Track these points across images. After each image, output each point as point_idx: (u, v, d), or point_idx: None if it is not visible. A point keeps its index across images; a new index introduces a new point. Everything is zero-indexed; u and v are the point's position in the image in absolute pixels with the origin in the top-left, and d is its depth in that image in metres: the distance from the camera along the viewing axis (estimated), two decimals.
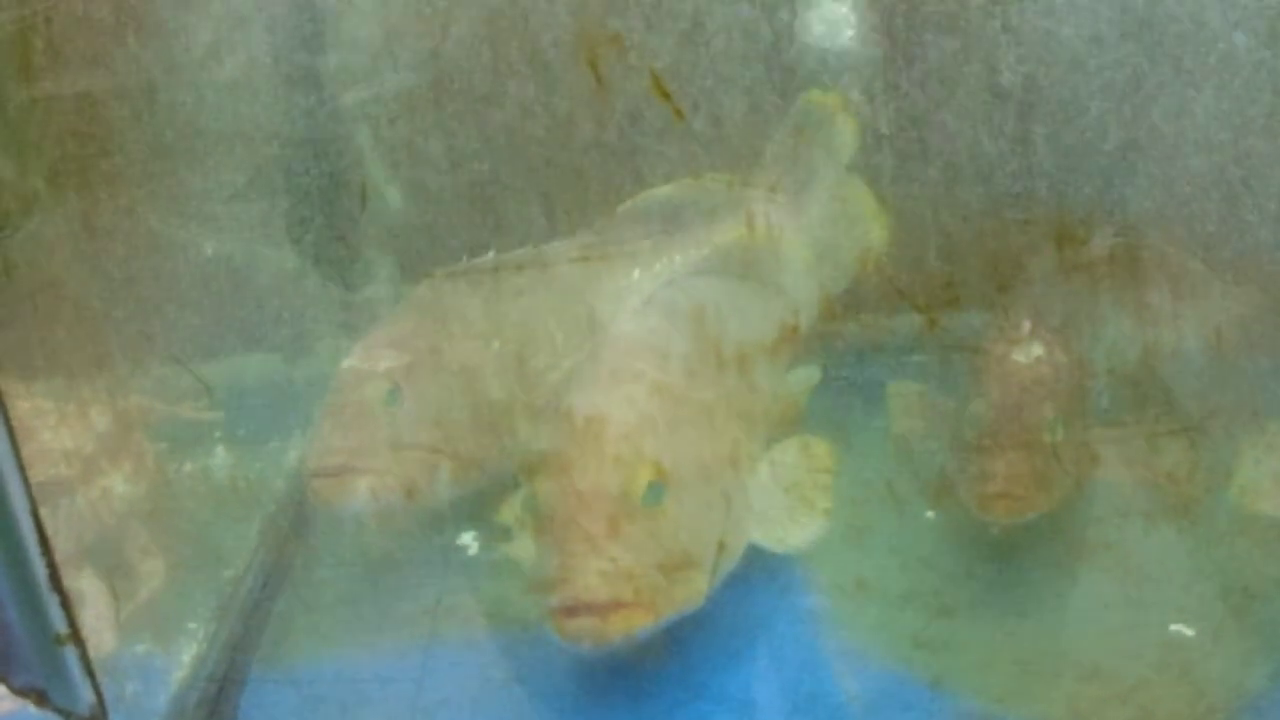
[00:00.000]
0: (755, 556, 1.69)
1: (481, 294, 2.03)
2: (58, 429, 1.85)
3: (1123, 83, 2.10)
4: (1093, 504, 1.85)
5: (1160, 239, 2.06)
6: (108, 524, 1.88)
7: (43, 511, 1.06)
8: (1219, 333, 1.92)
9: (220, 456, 2.20)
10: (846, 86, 2.06)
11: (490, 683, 1.71)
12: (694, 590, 1.56)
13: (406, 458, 1.89)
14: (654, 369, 1.65)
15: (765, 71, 2.15)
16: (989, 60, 2.11)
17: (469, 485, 1.95)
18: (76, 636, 1.08)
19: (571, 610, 1.49)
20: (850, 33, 2.10)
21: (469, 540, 1.97)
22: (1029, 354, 1.86)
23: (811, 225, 2.06)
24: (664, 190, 2.06)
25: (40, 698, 1.10)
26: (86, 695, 1.10)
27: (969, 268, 2.00)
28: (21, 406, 1.78)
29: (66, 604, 1.08)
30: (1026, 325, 1.90)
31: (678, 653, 1.66)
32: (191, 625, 1.80)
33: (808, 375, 1.91)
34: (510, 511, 1.78)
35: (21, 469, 1.03)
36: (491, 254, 2.08)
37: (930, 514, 1.91)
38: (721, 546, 1.60)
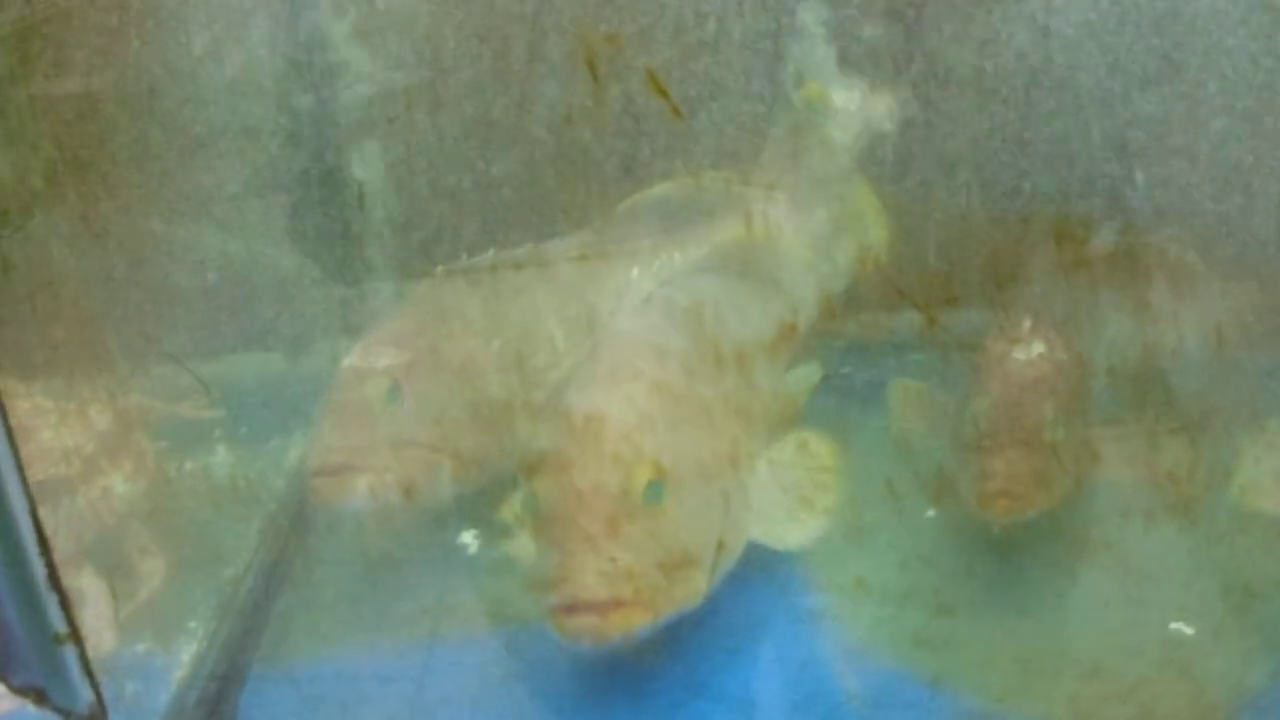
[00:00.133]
0: (755, 555, 1.69)
1: (481, 293, 2.03)
2: (58, 428, 1.85)
3: (1123, 81, 2.10)
4: (1093, 502, 1.85)
5: (1160, 237, 2.06)
6: (108, 523, 1.89)
7: (43, 511, 1.05)
8: (1219, 331, 1.92)
9: (221, 455, 2.20)
10: (844, 83, 2.06)
11: (490, 681, 1.71)
12: (693, 589, 1.56)
13: (407, 456, 1.89)
14: (653, 368, 1.65)
15: (765, 69, 2.14)
16: (988, 57, 2.10)
17: (469, 484, 1.95)
18: (75, 635, 1.08)
19: (571, 609, 1.49)
20: (849, 30, 2.10)
21: (469, 539, 1.97)
22: (1029, 352, 1.86)
23: (810, 223, 2.06)
24: (662, 189, 2.06)
25: (39, 697, 1.10)
26: (85, 694, 1.10)
27: (968, 266, 2.00)
28: (21, 406, 1.79)
29: (65, 603, 1.07)
30: (1027, 323, 1.90)
31: (677, 651, 1.66)
32: (191, 624, 1.80)
33: (808, 374, 1.91)
34: (510, 510, 1.78)
35: (20, 468, 1.03)
36: (491, 253, 2.08)
37: (930, 512, 1.91)
38: (720, 545, 1.60)
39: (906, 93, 2.10)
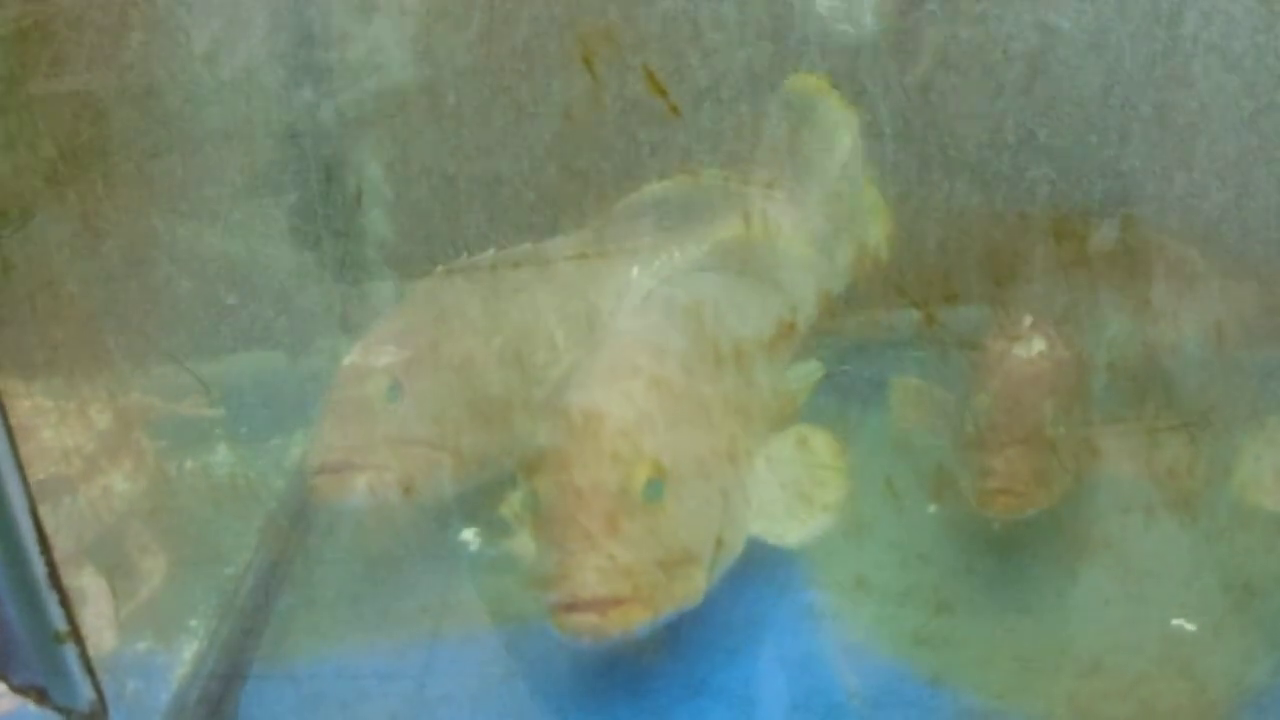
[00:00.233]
0: (755, 553, 1.69)
1: (481, 291, 2.03)
2: (58, 427, 1.85)
3: (1124, 76, 2.10)
4: (1093, 500, 1.85)
5: (1161, 233, 2.06)
6: (108, 522, 1.89)
7: (44, 510, 1.06)
8: (1219, 328, 1.91)
9: (221, 454, 2.20)
10: (842, 78, 2.06)
11: (490, 679, 1.71)
12: (693, 586, 1.56)
13: (407, 454, 1.89)
14: (652, 366, 1.65)
15: (764, 65, 2.14)
16: (988, 52, 2.10)
17: (469, 482, 1.95)
18: (76, 634, 1.08)
19: (571, 606, 1.49)
20: (847, 23, 2.10)
21: (470, 537, 1.98)
22: (1029, 350, 1.86)
23: (810, 221, 2.06)
24: (661, 187, 2.06)
25: (40, 695, 1.10)
26: (86, 692, 1.11)
27: (967, 263, 2.00)
28: (22, 405, 1.79)
29: (66, 601, 1.08)
30: (1027, 320, 1.90)
31: (677, 649, 1.66)
32: (192, 623, 1.81)
33: (809, 371, 1.91)
34: (510, 508, 1.78)
35: (20, 467, 1.03)
36: (491, 251, 2.08)
37: (930, 510, 1.91)
38: (720, 543, 1.60)
39: (903, 86, 2.10)
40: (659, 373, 1.65)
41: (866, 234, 2.10)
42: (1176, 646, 1.66)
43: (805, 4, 2.07)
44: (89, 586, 1.75)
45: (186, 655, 1.74)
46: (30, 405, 1.82)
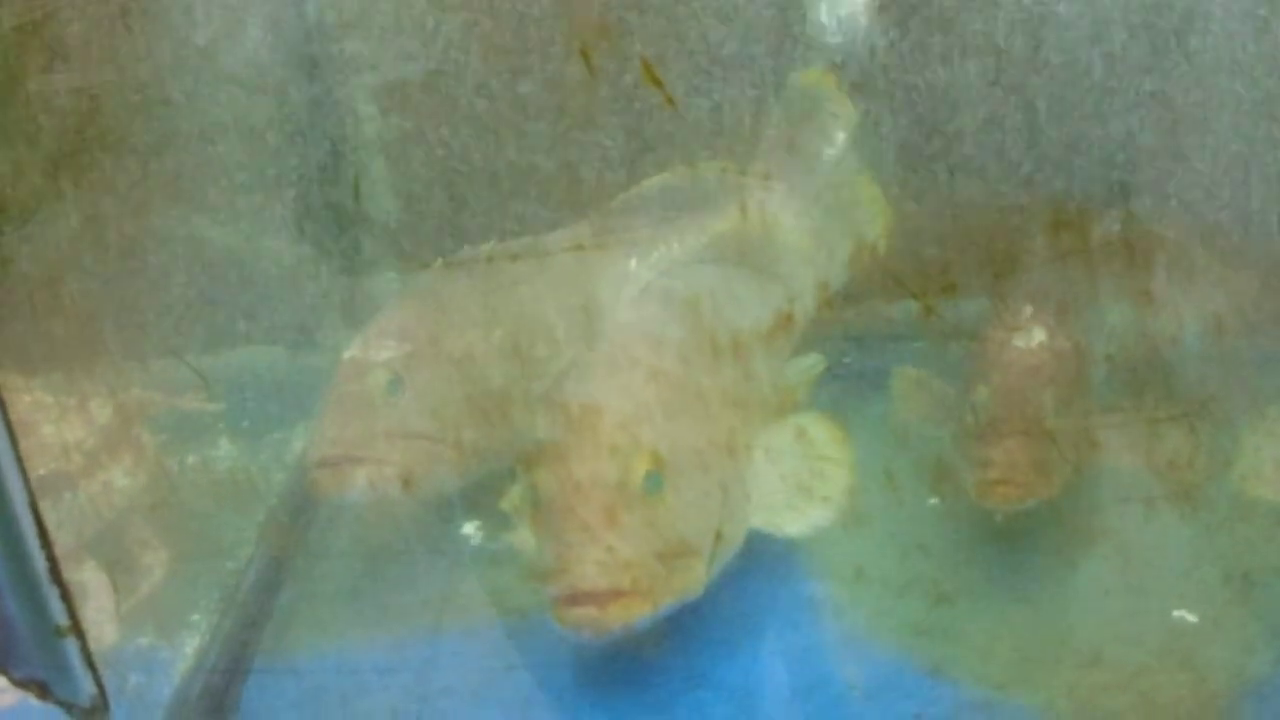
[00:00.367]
0: (754, 545, 1.69)
1: (481, 284, 2.03)
2: (59, 423, 1.85)
3: (1123, 67, 2.10)
4: (1093, 491, 1.85)
5: (1160, 224, 2.06)
6: (109, 517, 1.89)
7: (45, 505, 1.06)
8: (1219, 318, 1.91)
9: (223, 449, 2.21)
10: (842, 70, 2.06)
11: (491, 672, 1.71)
12: (693, 579, 1.57)
13: (408, 448, 1.89)
14: (650, 358, 1.65)
15: (763, 57, 2.14)
16: (987, 43, 2.10)
17: (470, 475, 1.95)
18: (77, 628, 1.09)
19: (570, 599, 1.49)
20: (846, 16, 2.10)
21: (471, 530, 1.98)
22: (1029, 340, 1.86)
23: (809, 213, 2.06)
24: (660, 179, 2.06)
25: (42, 690, 1.10)
26: (88, 687, 1.11)
27: (966, 254, 2.00)
28: (23, 400, 1.79)
29: (67, 596, 1.08)
30: (1026, 311, 1.90)
31: (678, 642, 1.66)
32: (194, 617, 1.81)
33: (811, 365, 1.90)
34: (511, 501, 1.78)
35: (21, 463, 1.04)
36: (491, 244, 2.08)
37: (930, 501, 1.91)
38: (719, 535, 1.60)
39: (902, 78, 2.10)
40: (657, 365, 1.65)
41: (866, 228, 2.10)
42: (1177, 638, 1.65)
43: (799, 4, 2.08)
44: (90, 581, 1.75)
45: (188, 650, 1.74)
46: (31, 400, 1.82)
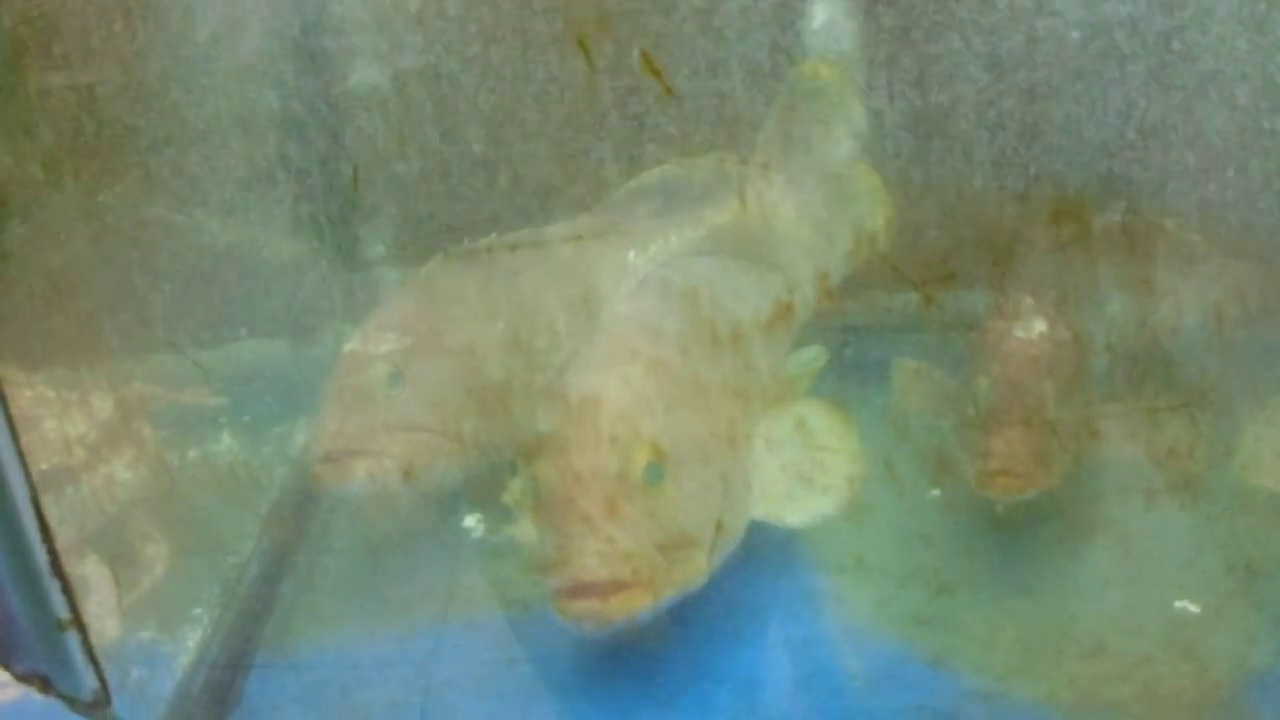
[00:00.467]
0: (756, 536, 1.69)
1: (482, 277, 2.03)
2: (60, 417, 1.86)
3: (1124, 57, 2.09)
4: (1094, 481, 1.85)
5: (1161, 214, 2.05)
6: (111, 511, 1.89)
7: (47, 499, 1.06)
8: (1219, 308, 1.91)
9: (224, 443, 2.21)
10: (845, 61, 2.05)
11: (494, 665, 1.71)
12: (694, 570, 1.56)
13: (409, 441, 1.89)
14: (650, 349, 1.65)
15: (763, 48, 2.14)
16: (988, 34, 2.10)
17: (472, 468, 1.95)
18: (78, 622, 1.09)
19: (572, 591, 1.49)
20: (847, 8, 2.09)
21: (472, 523, 1.98)
22: (1030, 331, 1.86)
23: (809, 205, 2.06)
24: (660, 171, 2.06)
25: (44, 684, 1.11)
26: (89, 681, 1.11)
27: (967, 244, 2.00)
28: (24, 395, 1.79)
29: (68, 589, 1.08)
30: (1027, 301, 1.90)
31: (679, 633, 1.66)
32: (196, 611, 1.81)
33: (813, 357, 1.90)
34: (512, 494, 1.78)
35: (22, 457, 1.04)
36: (491, 236, 2.08)
37: (932, 492, 1.91)
38: (720, 526, 1.60)
39: (904, 69, 2.09)
40: (657, 356, 1.64)
41: (866, 218, 2.09)
42: (1179, 628, 1.65)
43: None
44: (92, 575, 1.76)
45: (190, 643, 1.74)
46: (32, 395, 1.83)
